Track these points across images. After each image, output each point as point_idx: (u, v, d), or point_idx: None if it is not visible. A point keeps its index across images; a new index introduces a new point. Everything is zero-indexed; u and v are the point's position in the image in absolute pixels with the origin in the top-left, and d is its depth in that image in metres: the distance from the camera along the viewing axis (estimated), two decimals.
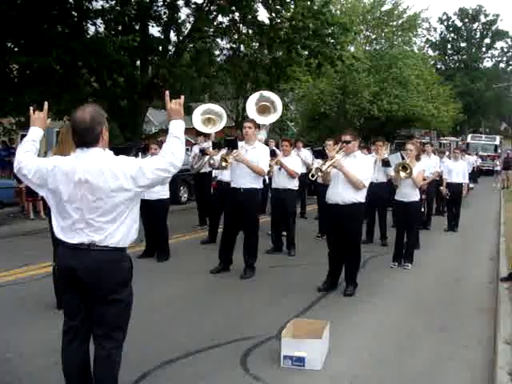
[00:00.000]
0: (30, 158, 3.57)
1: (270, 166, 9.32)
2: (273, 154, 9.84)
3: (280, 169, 9.48)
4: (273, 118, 8.93)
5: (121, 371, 3.93)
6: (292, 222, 9.73)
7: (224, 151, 8.35)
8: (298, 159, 9.93)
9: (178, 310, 6.22)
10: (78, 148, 3.37)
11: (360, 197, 6.88)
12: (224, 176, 9.56)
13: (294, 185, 9.58)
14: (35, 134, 3.76)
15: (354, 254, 7.05)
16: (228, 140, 8.22)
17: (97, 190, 3.27)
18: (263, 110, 8.74)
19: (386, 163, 9.72)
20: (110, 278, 3.35)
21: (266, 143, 9.56)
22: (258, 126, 7.98)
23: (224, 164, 7.80)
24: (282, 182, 9.54)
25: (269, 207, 13.46)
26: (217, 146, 10.05)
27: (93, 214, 3.30)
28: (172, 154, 3.37)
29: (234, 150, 7.70)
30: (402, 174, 8.13)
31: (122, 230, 3.36)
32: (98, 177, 3.27)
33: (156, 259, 8.73)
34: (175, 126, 3.49)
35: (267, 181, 11.18)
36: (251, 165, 7.56)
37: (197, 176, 11.89)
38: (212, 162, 9.88)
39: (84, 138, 3.32)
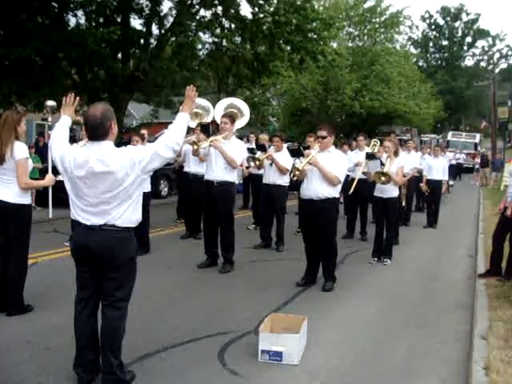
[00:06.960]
0: (61, 145, 4.04)
1: (260, 160, 9.30)
2: (263, 149, 9.82)
3: (271, 164, 9.45)
4: (242, 122, 8.97)
5: None
6: (281, 218, 9.71)
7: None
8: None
9: (156, 304, 6.18)
10: (89, 141, 3.82)
11: (334, 192, 6.86)
12: (190, 168, 9.66)
13: (284, 181, 9.55)
14: (64, 120, 4.36)
15: (330, 249, 7.01)
16: (202, 125, 8.46)
17: (107, 178, 3.68)
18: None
19: (370, 156, 9.62)
20: (120, 253, 3.80)
21: (241, 137, 9.55)
22: (233, 121, 7.97)
23: (195, 147, 8.15)
24: (272, 177, 9.51)
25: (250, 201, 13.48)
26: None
27: (104, 198, 3.72)
28: (171, 139, 3.81)
29: (211, 137, 7.79)
30: (382, 178, 8.26)
31: (129, 212, 3.81)
32: (109, 165, 3.67)
33: None
34: (181, 117, 3.99)
35: (244, 173, 11.15)
36: (225, 153, 7.54)
37: (179, 170, 11.79)
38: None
39: (95, 133, 3.76)
